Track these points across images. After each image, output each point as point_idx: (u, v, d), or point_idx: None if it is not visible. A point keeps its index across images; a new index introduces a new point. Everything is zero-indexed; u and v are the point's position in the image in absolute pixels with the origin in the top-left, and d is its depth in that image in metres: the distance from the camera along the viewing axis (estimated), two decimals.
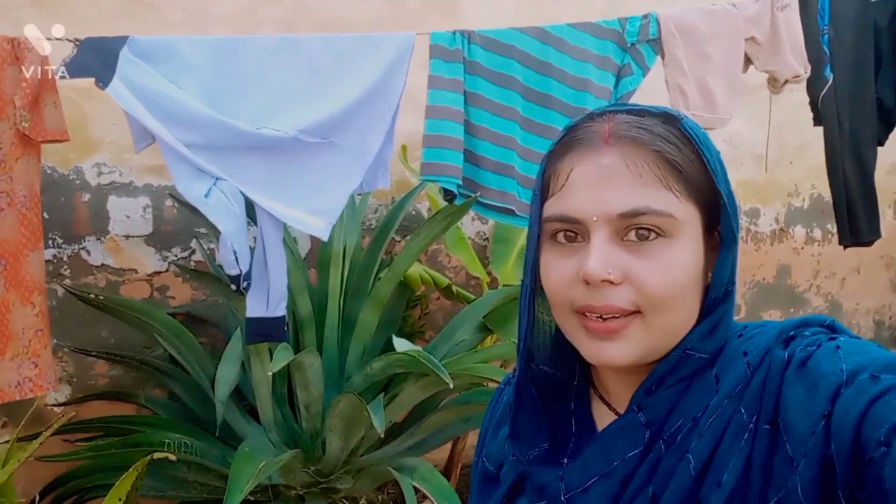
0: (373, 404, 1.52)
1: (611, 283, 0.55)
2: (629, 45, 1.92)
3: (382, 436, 1.49)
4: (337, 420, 1.66)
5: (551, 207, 0.59)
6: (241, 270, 1.54)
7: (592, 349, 0.58)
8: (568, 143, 0.60)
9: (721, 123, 2.01)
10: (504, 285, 2.57)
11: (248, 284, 1.58)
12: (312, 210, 1.62)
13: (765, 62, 2.06)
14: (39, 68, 1.52)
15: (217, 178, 1.56)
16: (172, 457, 1.59)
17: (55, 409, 2.23)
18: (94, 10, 2.21)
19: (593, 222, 0.56)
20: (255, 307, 1.62)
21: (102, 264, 2.25)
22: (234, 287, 1.57)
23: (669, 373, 0.59)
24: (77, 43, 1.55)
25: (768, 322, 0.61)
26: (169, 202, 2.32)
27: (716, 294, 0.59)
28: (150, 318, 1.96)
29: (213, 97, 1.57)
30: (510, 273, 2.63)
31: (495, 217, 1.87)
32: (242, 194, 1.58)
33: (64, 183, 2.19)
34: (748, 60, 2.07)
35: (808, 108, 2.20)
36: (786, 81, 2.06)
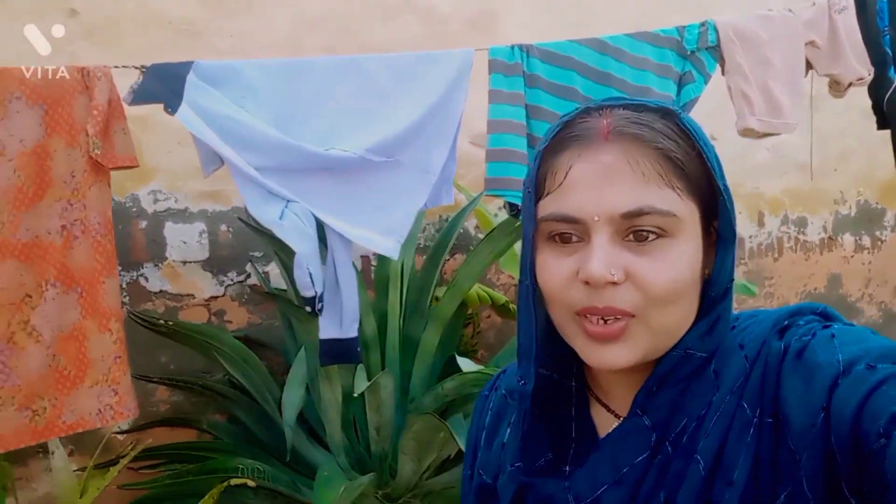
0: (452, 421, 1.49)
1: (613, 283, 0.54)
2: (689, 52, 1.90)
3: None
4: (411, 442, 1.63)
5: (548, 206, 0.57)
6: (316, 292, 1.53)
7: (594, 353, 0.56)
8: (564, 138, 0.57)
9: (788, 129, 1.97)
10: None
11: (322, 306, 1.57)
12: (381, 229, 1.61)
13: (826, 66, 2.02)
14: (108, 96, 1.54)
15: (288, 201, 1.56)
16: (251, 483, 1.57)
17: (118, 436, 2.23)
18: (146, 42, 2.25)
19: (594, 222, 0.55)
20: (328, 329, 1.61)
21: (161, 290, 2.27)
22: (308, 309, 1.56)
23: (670, 373, 0.57)
24: (143, 70, 1.57)
25: (760, 311, 0.60)
26: (224, 227, 2.33)
27: (716, 292, 0.58)
28: (218, 341, 1.96)
29: (279, 120, 1.58)
30: None
31: None
32: (313, 215, 1.57)
33: (121, 211, 2.22)
34: (809, 65, 2.03)
35: (849, 114, 2.15)
36: (849, 84, 2.01)
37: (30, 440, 1.53)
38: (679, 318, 0.56)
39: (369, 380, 1.75)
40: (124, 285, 2.22)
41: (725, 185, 0.57)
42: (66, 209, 1.53)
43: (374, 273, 2.23)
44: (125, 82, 1.59)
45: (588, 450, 0.61)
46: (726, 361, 0.57)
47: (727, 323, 0.59)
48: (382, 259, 2.14)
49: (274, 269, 2.39)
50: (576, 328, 0.57)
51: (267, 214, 1.51)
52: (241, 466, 1.85)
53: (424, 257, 2.28)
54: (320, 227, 1.63)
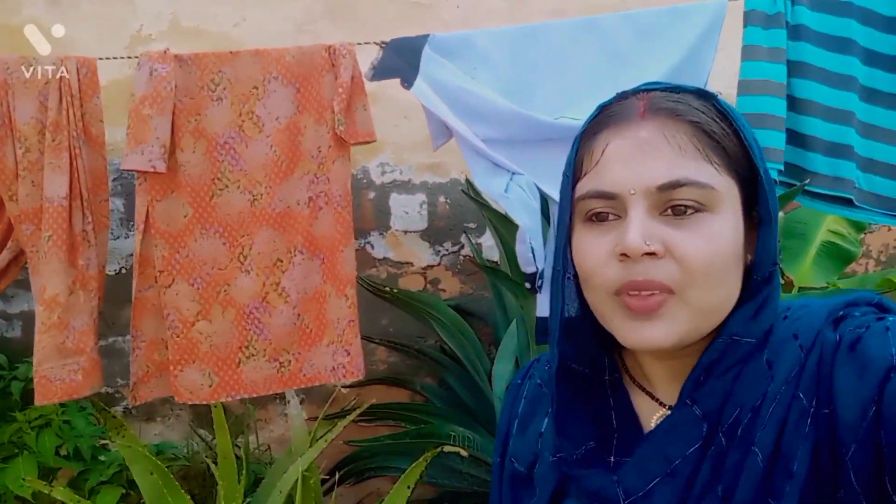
0: None
1: (651, 255, 0.53)
2: None
3: None
4: None
5: (585, 185, 0.57)
6: (537, 268, 1.48)
7: (633, 332, 0.55)
8: (601, 120, 0.58)
9: None
10: (801, 288, 2.23)
11: (542, 283, 1.52)
12: None
13: None
14: (351, 73, 1.61)
15: (513, 173, 1.52)
16: (464, 452, 1.60)
17: (343, 390, 2.43)
18: (380, 17, 2.34)
19: (630, 196, 0.54)
20: (545, 306, 1.55)
21: (384, 257, 2.39)
22: (528, 285, 1.52)
23: (718, 361, 0.56)
24: (382, 46, 1.62)
25: (812, 301, 0.59)
26: (442, 198, 2.39)
27: (761, 275, 0.57)
28: (435, 310, 2.02)
29: (510, 89, 1.54)
30: (808, 274, 2.28)
31: (824, 209, 1.58)
32: (538, 188, 1.52)
33: (353, 183, 2.34)
34: None
35: None
36: None
37: (276, 388, 1.70)
38: (720, 299, 0.55)
39: None
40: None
41: (765, 168, 0.57)
42: (312, 182, 1.64)
43: None
44: (363, 59, 1.66)
45: (633, 440, 0.60)
46: (780, 352, 0.55)
47: (774, 308, 0.57)
48: None
49: (486, 241, 2.40)
50: (614, 307, 0.56)
51: (493, 187, 1.49)
52: (453, 434, 1.90)
53: None
54: (543, 203, 1.57)
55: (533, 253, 1.49)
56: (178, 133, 1.58)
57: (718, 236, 0.54)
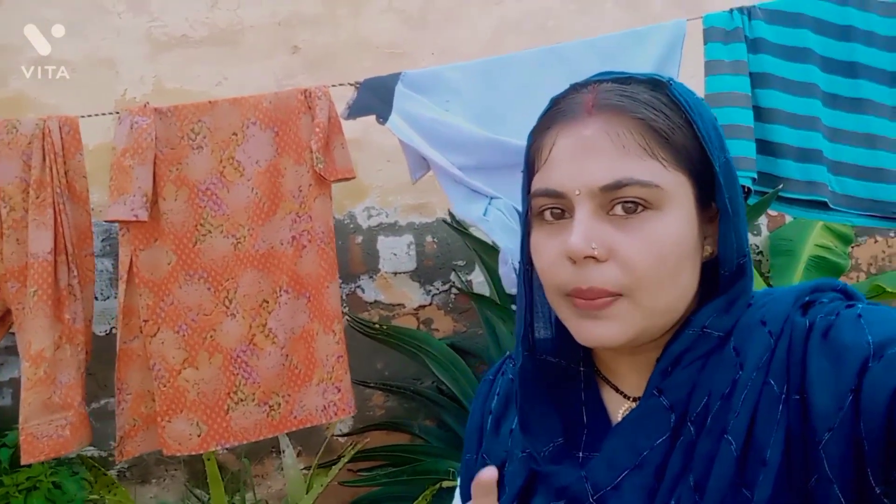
0: None
1: (595, 259, 0.53)
2: None
3: None
4: None
5: (536, 182, 0.57)
6: None
7: (583, 330, 0.55)
8: (552, 115, 0.58)
9: None
10: None
11: None
12: None
13: None
14: (328, 113, 1.65)
15: (491, 198, 1.54)
16: None
17: (340, 438, 2.38)
18: (357, 68, 2.40)
19: (576, 196, 0.54)
20: None
21: (375, 300, 2.39)
22: (514, 307, 1.51)
23: (686, 352, 0.56)
24: (357, 85, 1.67)
25: (775, 289, 0.59)
26: (429, 238, 2.40)
27: (727, 270, 0.56)
28: (428, 345, 2.00)
29: (482, 118, 1.58)
30: None
31: (800, 214, 1.60)
32: (517, 211, 1.54)
33: (340, 227, 2.38)
34: None
35: None
36: None
37: (267, 433, 1.67)
38: (672, 298, 0.55)
39: None
40: (344, 296, 2.38)
41: (726, 159, 0.56)
42: (295, 221, 1.66)
43: None
44: (340, 103, 1.70)
45: (601, 434, 0.60)
46: (748, 338, 0.55)
47: (746, 301, 0.57)
48: None
49: (476, 278, 2.40)
50: (567, 308, 0.57)
51: (472, 212, 1.51)
52: (451, 469, 1.86)
53: None
54: None
55: (516, 273, 1.50)
56: (160, 182, 1.61)
57: (665, 237, 0.53)
